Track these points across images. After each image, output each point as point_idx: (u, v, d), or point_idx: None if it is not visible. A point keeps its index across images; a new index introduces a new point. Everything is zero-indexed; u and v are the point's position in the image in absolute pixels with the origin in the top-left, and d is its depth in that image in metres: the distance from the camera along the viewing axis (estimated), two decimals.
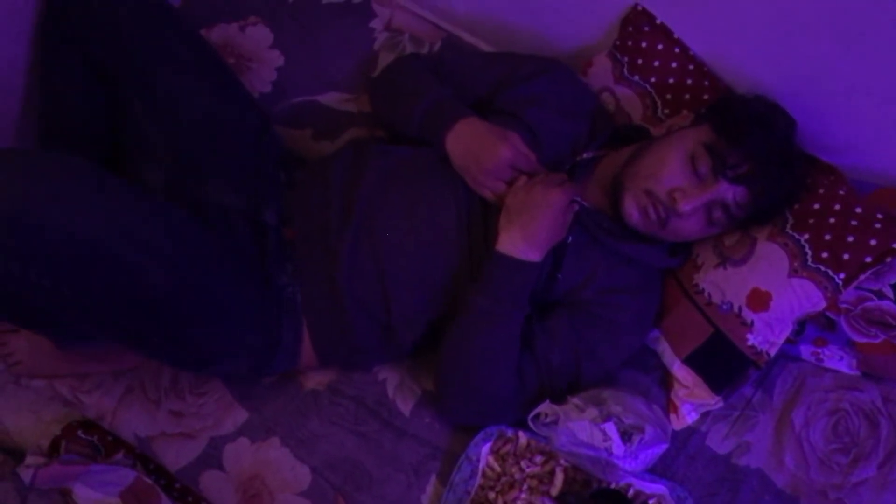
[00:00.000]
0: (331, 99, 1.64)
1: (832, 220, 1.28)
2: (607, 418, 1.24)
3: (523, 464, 1.28)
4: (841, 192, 1.31)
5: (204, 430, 1.38)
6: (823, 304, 1.27)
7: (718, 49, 1.48)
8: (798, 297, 1.27)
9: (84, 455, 1.32)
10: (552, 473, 1.27)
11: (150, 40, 1.37)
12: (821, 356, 1.39)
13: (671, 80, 1.50)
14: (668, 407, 1.38)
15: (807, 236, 1.28)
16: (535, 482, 1.27)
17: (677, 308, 1.39)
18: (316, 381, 1.42)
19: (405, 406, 1.39)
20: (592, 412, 1.25)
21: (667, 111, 1.50)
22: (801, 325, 1.36)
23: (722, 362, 1.33)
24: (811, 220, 1.30)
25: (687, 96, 1.48)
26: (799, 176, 1.32)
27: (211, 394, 1.41)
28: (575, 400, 1.28)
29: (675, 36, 1.50)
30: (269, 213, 1.41)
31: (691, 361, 1.36)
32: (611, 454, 1.23)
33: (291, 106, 1.64)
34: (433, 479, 1.33)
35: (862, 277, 1.25)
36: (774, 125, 1.28)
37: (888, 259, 1.24)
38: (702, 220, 1.27)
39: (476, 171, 1.30)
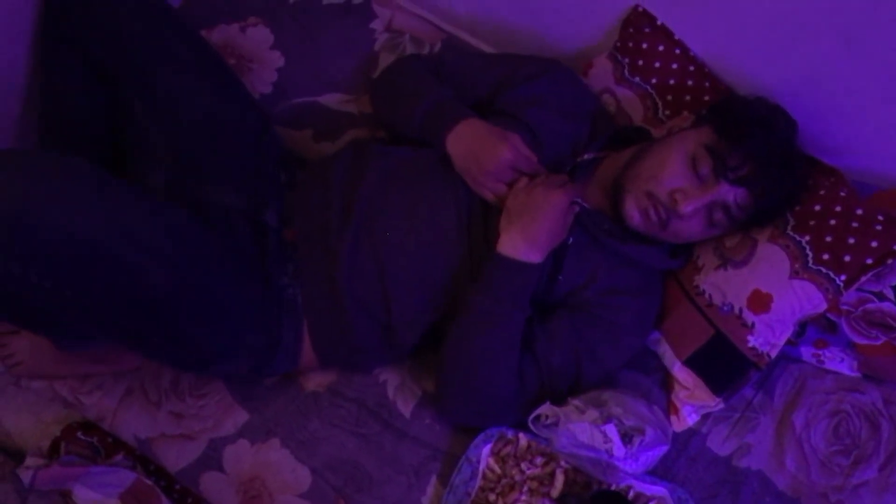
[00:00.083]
0: (331, 100, 1.64)
1: (833, 222, 1.28)
2: (608, 420, 1.24)
3: (524, 465, 1.28)
4: (842, 194, 1.31)
5: (204, 431, 1.38)
6: (824, 306, 1.27)
7: (719, 50, 1.48)
8: (799, 298, 1.27)
9: (84, 456, 1.32)
10: (552, 475, 1.27)
11: (150, 40, 1.37)
12: (822, 358, 1.39)
13: (672, 82, 1.50)
14: (669, 408, 1.38)
15: (808, 238, 1.28)
16: (535, 484, 1.27)
17: (678, 309, 1.39)
18: (316, 382, 1.42)
19: (405, 407, 1.39)
20: (593, 414, 1.24)
21: (667, 112, 1.50)
22: (801, 327, 1.36)
23: (723, 364, 1.33)
24: (812, 222, 1.29)
25: (688, 97, 1.48)
26: (800, 177, 1.32)
27: (211, 395, 1.41)
28: (575, 402, 1.28)
29: (676, 37, 1.50)
30: (270, 213, 1.41)
31: (692, 363, 1.35)
32: (611, 456, 1.23)
33: (292, 107, 1.64)
34: (433, 480, 1.33)
35: (863, 279, 1.25)
36: (775, 126, 1.28)
37: (889, 261, 1.24)
38: (703, 221, 1.27)
39: (477, 172, 1.30)
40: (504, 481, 1.28)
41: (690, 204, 1.23)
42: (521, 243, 1.25)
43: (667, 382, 1.40)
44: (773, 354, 1.30)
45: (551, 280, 1.32)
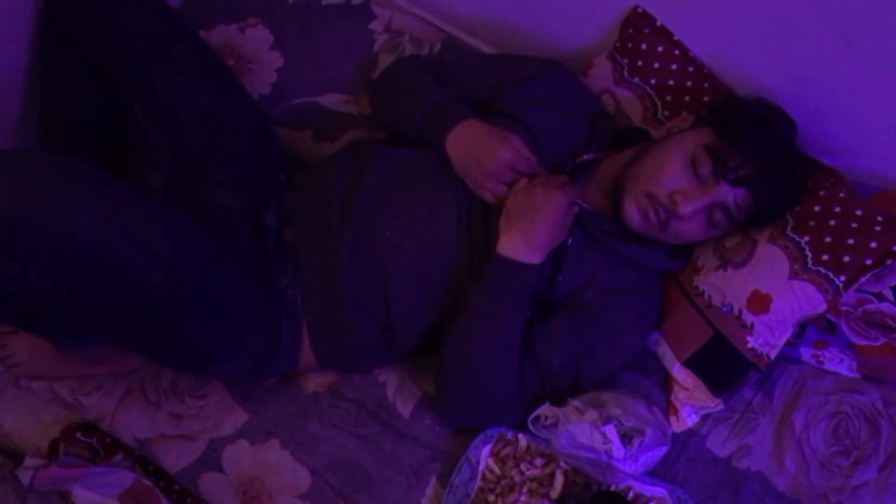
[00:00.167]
0: (331, 100, 1.64)
1: (832, 223, 1.28)
2: (607, 421, 1.24)
3: (523, 466, 1.28)
4: (841, 195, 1.31)
5: (203, 432, 1.38)
6: (824, 307, 1.27)
7: (719, 51, 1.48)
8: (798, 299, 1.27)
9: (83, 457, 1.32)
10: (552, 476, 1.27)
11: (150, 40, 1.37)
12: (821, 358, 1.39)
13: (671, 82, 1.50)
14: (669, 409, 1.38)
15: (807, 238, 1.28)
16: (534, 485, 1.27)
17: (678, 310, 1.39)
18: (316, 383, 1.42)
19: (405, 408, 1.39)
20: (592, 415, 1.24)
21: (667, 113, 1.50)
22: (801, 328, 1.36)
23: (722, 365, 1.33)
24: (811, 223, 1.29)
25: (687, 98, 1.48)
26: (799, 178, 1.32)
27: (211, 396, 1.41)
28: (575, 402, 1.28)
29: (675, 38, 1.50)
30: (270, 214, 1.41)
31: (691, 364, 1.35)
32: (611, 457, 1.23)
33: (291, 107, 1.64)
34: (433, 481, 1.33)
35: (862, 280, 1.25)
36: (775, 127, 1.28)
37: (888, 261, 1.24)
38: (702, 222, 1.27)
39: (476, 173, 1.30)
40: (503, 482, 1.28)
41: (690, 205, 1.23)
42: (520, 244, 1.25)
43: (666, 383, 1.40)
44: (773, 355, 1.30)
45: (551, 281, 1.32)
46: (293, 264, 1.38)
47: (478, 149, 1.30)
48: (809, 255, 1.27)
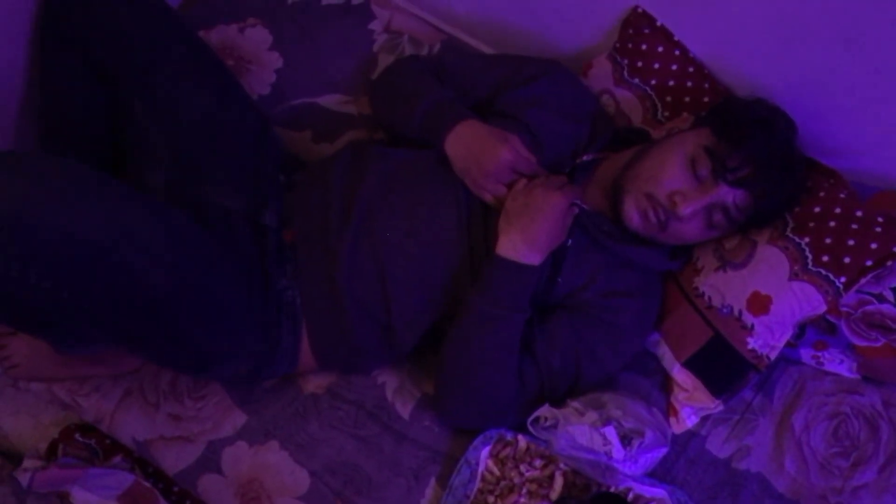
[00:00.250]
0: (330, 101, 1.63)
1: (833, 224, 1.28)
2: (607, 422, 1.24)
3: (523, 468, 1.28)
4: (841, 196, 1.31)
5: (202, 433, 1.37)
6: (824, 308, 1.27)
7: (718, 51, 1.48)
8: (798, 300, 1.27)
9: (82, 458, 1.32)
10: (551, 477, 1.27)
11: (150, 41, 1.36)
12: (821, 360, 1.39)
13: (671, 83, 1.50)
14: (668, 410, 1.38)
15: (807, 240, 1.28)
16: (534, 486, 1.27)
17: (677, 311, 1.38)
18: (315, 384, 1.41)
19: (404, 409, 1.39)
20: (592, 416, 1.24)
21: (667, 114, 1.50)
22: (801, 329, 1.36)
23: (722, 366, 1.33)
24: (812, 224, 1.29)
25: (687, 99, 1.48)
26: (799, 179, 1.32)
27: (210, 397, 1.40)
28: (575, 404, 1.27)
29: (676, 38, 1.50)
30: (269, 214, 1.41)
31: (691, 365, 1.35)
32: (610, 458, 1.23)
33: (291, 108, 1.64)
34: (433, 482, 1.33)
35: (863, 281, 1.25)
36: (775, 128, 1.28)
37: (888, 262, 1.24)
38: (702, 223, 1.27)
39: (476, 174, 1.30)
40: (503, 483, 1.28)
41: (689, 206, 1.23)
42: (520, 245, 1.25)
43: (666, 384, 1.40)
44: (773, 356, 1.30)
45: (551, 281, 1.32)
46: (293, 265, 1.38)
47: (477, 149, 1.30)
48: (810, 256, 1.27)
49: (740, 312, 1.31)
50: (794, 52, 1.36)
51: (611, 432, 1.23)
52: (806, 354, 1.40)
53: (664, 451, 1.29)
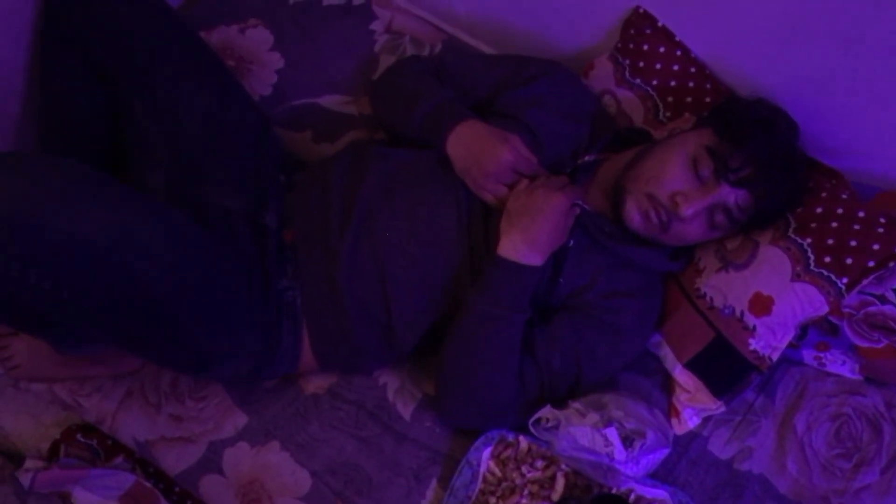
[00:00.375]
0: (331, 101, 1.63)
1: (835, 225, 1.28)
2: (608, 423, 1.23)
3: (524, 469, 1.28)
4: (843, 196, 1.31)
5: (203, 434, 1.37)
6: (826, 309, 1.27)
7: (720, 52, 1.47)
8: (801, 301, 1.27)
9: (83, 459, 1.32)
10: (553, 478, 1.27)
11: (150, 41, 1.36)
12: (823, 361, 1.39)
13: (673, 83, 1.50)
14: (670, 411, 1.38)
15: (809, 240, 1.28)
16: (535, 487, 1.27)
17: (679, 312, 1.38)
18: (316, 385, 1.41)
19: (405, 410, 1.39)
20: (594, 417, 1.24)
21: (668, 114, 1.50)
22: (803, 330, 1.36)
23: (724, 367, 1.33)
24: (814, 225, 1.29)
25: (689, 99, 1.48)
26: (801, 179, 1.32)
27: (211, 398, 1.40)
28: (576, 405, 1.27)
29: (677, 38, 1.50)
30: (270, 214, 1.41)
31: (693, 366, 1.35)
32: (612, 459, 1.23)
33: (291, 108, 1.64)
34: (434, 483, 1.32)
35: (865, 282, 1.25)
36: (777, 128, 1.28)
37: (891, 263, 1.24)
38: (704, 223, 1.27)
39: (477, 174, 1.30)
40: (504, 484, 1.28)
41: (691, 206, 1.22)
42: (521, 245, 1.25)
43: (668, 385, 1.40)
44: (775, 357, 1.30)
45: (552, 282, 1.32)
46: (293, 265, 1.38)
47: (478, 150, 1.30)
48: (812, 256, 1.27)
49: (742, 313, 1.30)
50: (795, 53, 1.36)
51: (612, 433, 1.22)
52: (808, 355, 1.40)
53: (666, 452, 1.28)
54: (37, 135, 1.47)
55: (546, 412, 1.27)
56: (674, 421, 1.37)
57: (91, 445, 1.35)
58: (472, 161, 1.31)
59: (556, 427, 1.26)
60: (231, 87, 1.48)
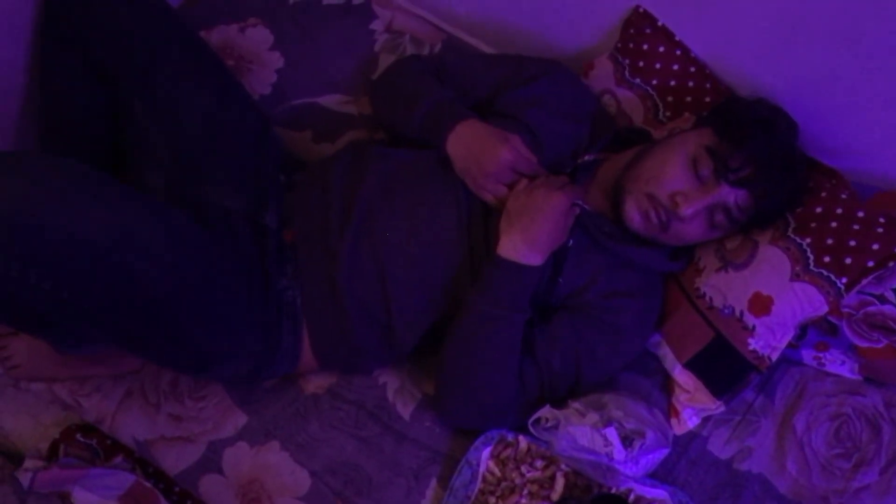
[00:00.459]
0: (331, 101, 1.63)
1: (834, 224, 1.28)
2: (608, 423, 1.23)
3: (524, 468, 1.28)
4: (843, 196, 1.31)
5: (203, 433, 1.37)
6: (826, 309, 1.27)
7: (720, 51, 1.47)
8: (800, 301, 1.27)
9: (83, 459, 1.32)
10: (553, 478, 1.27)
11: (150, 41, 1.36)
12: (823, 360, 1.39)
13: (672, 83, 1.50)
14: (670, 411, 1.38)
15: (809, 240, 1.28)
16: (535, 487, 1.27)
17: (678, 312, 1.38)
18: (316, 384, 1.41)
19: (405, 410, 1.39)
20: (593, 417, 1.24)
21: (668, 114, 1.50)
22: (802, 330, 1.36)
23: (723, 367, 1.33)
24: (813, 224, 1.29)
25: (688, 99, 1.48)
26: (801, 179, 1.32)
27: (210, 397, 1.40)
28: (576, 405, 1.27)
29: (677, 38, 1.50)
30: (270, 214, 1.41)
31: (692, 366, 1.35)
32: (612, 459, 1.23)
33: (291, 108, 1.64)
34: (433, 483, 1.32)
35: (864, 282, 1.25)
36: (776, 128, 1.28)
37: (890, 263, 1.24)
38: (703, 223, 1.27)
39: (477, 174, 1.30)
40: (504, 484, 1.28)
41: (691, 206, 1.22)
42: (521, 245, 1.25)
43: (667, 385, 1.40)
44: (774, 357, 1.30)
45: (552, 282, 1.32)
46: (293, 265, 1.38)
47: (478, 149, 1.30)
48: (811, 256, 1.27)
49: (742, 313, 1.30)
50: (794, 52, 1.36)
51: (612, 433, 1.22)
52: (807, 355, 1.40)
53: (665, 452, 1.28)
54: (37, 135, 1.47)
55: (545, 412, 1.27)
56: (673, 421, 1.37)
57: (91, 445, 1.35)
58: (472, 161, 1.31)
59: (556, 427, 1.26)
60: (231, 87, 1.48)
